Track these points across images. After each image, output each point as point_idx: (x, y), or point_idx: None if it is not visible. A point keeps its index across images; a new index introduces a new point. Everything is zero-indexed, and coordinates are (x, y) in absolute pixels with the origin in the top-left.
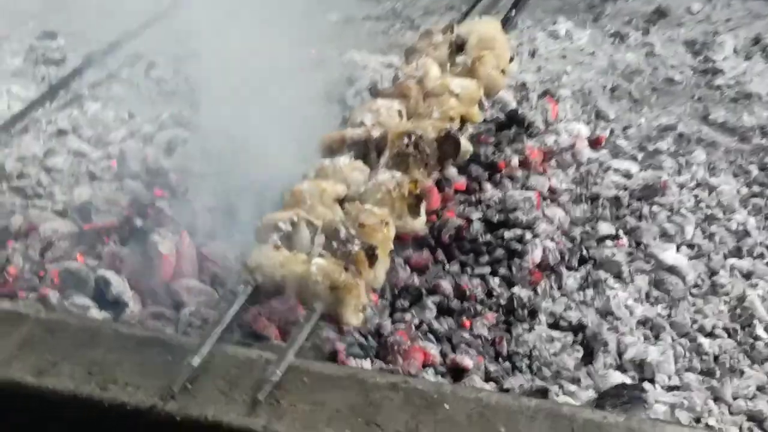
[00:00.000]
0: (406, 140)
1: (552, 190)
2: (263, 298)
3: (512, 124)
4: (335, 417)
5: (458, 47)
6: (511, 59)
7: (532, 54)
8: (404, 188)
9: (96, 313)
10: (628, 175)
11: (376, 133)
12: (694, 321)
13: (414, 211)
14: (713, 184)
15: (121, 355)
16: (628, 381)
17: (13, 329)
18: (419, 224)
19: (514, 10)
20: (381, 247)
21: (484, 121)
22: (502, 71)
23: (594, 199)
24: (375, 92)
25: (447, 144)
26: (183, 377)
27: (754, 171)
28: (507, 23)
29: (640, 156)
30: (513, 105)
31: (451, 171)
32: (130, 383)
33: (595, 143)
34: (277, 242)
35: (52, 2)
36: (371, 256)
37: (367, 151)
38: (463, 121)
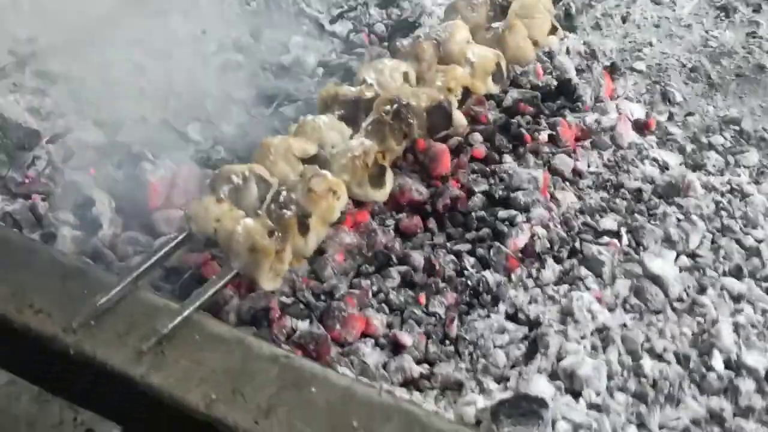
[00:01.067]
0: (387, 108)
1: (576, 172)
2: (195, 246)
3: (560, 95)
4: (207, 379)
5: (501, 10)
6: (553, 30)
7: (624, 19)
8: (369, 158)
9: (68, 232)
10: (665, 167)
11: (368, 95)
12: (648, 339)
13: (376, 183)
14: (748, 192)
15: (45, 281)
16: (551, 390)
17: None
18: (381, 195)
19: None
20: (321, 216)
21: (534, 86)
22: (535, 42)
23: (617, 188)
24: (393, 49)
25: (436, 115)
26: (88, 314)
27: None
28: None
29: (689, 148)
30: (571, 74)
31: (476, 137)
32: (44, 311)
33: (643, 127)
34: (224, 194)
35: None
36: (303, 224)
37: (357, 112)
38: (468, 92)
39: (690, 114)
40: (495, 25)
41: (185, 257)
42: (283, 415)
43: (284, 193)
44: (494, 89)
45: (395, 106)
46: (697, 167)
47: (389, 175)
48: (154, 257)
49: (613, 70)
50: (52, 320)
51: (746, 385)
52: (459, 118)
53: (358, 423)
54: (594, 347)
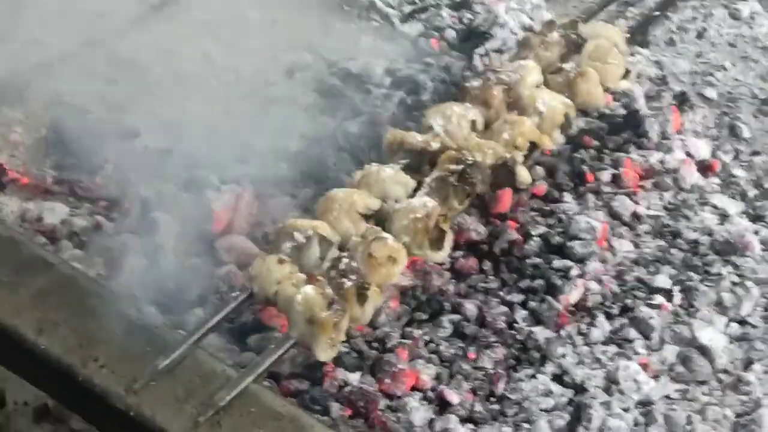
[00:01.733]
0: (452, 167)
1: (636, 216)
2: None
3: (627, 127)
4: None
5: (575, 47)
6: (626, 74)
7: (700, 35)
8: (432, 220)
9: (132, 260)
10: (723, 217)
11: (435, 145)
12: (690, 421)
13: (435, 245)
14: None
15: (112, 335)
16: None
17: (33, 279)
18: (440, 257)
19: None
20: (380, 282)
21: (600, 116)
22: (607, 89)
23: (675, 236)
24: (461, 92)
25: (501, 173)
26: (149, 375)
27: None
28: (643, 26)
29: (751, 193)
30: (639, 104)
31: (537, 171)
32: (107, 366)
33: (706, 168)
34: (285, 253)
35: None
36: (362, 294)
37: (422, 162)
38: (534, 146)
39: (756, 153)
40: (567, 66)
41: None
42: None
43: (345, 260)
44: (561, 141)
45: (461, 166)
46: (757, 218)
47: (449, 237)
48: (217, 317)
49: (682, 101)
50: (115, 377)
51: None
52: (523, 175)
53: None
54: (637, 423)
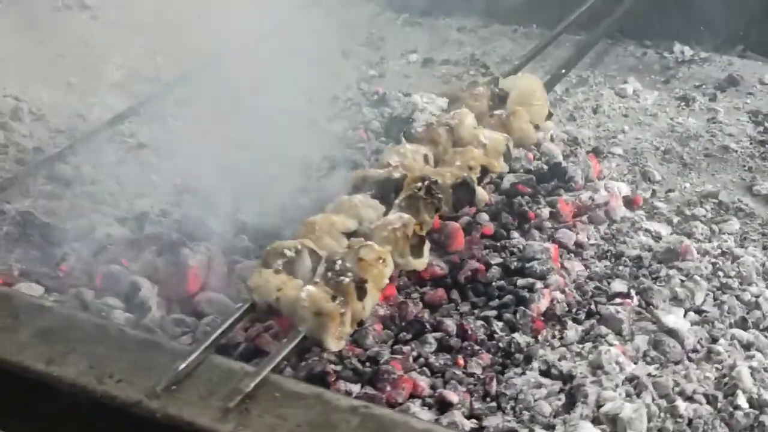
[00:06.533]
0: (419, 185)
1: (578, 244)
2: (258, 316)
3: (553, 176)
4: (294, 431)
5: (499, 99)
6: (549, 116)
7: (595, 110)
8: (409, 229)
9: (120, 314)
10: (657, 237)
11: (396, 175)
12: (677, 384)
13: (416, 252)
14: (737, 254)
15: (120, 353)
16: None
17: (34, 319)
18: (420, 264)
19: (564, 70)
20: (373, 283)
21: (527, 171)
22: (536, 126)
23: (618, 257)
24: (408, 136)
25: (462, 191)
26: (169, 379)
27: None
28: (553, 80)
29: (675, 220)
30: (559, 158)
31: (483, 216)
32: (124, 380)
33: (632, 203)
34: (279, 267)
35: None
36: (360, 288)
37: (387, 191)
38: (485, 170)
39: (670, 191)
40: (497, 112)
41: (237, 333)
42: None
43: (339, 261)
44: (506, 168)
45: (426, 182)
46: (687, 236)
47: (427, 245)
48: (224, 325)
49: (596, 153)
50: (134, 388)
51: None
52: (481, 193)
53: None
54: (629, 394)
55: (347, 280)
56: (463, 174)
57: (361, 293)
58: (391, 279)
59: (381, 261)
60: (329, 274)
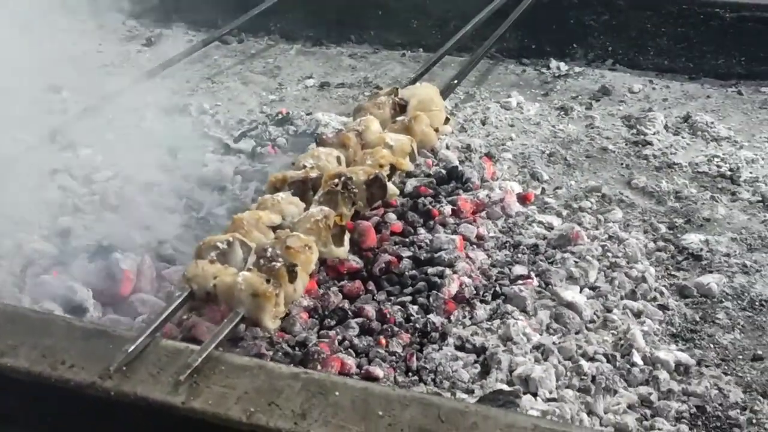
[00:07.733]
0: (336, 181)
1: (479, 237)
2: (197, 304)
3: (451, 179)
4: (243, 397)
5: (400, 108)
6: (447, 120)
7: (483, 122)
8: (330, 220)
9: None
10: (549, 227)
11: (313, 175)
12: (580, 347)
13: (338, 241)
14: (623, 238)
15: (70, 342)
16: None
17: None
18: (342, 252)
19: (455, 80)
20: (302, 267)
21: (427, 175)
22: (436, 129)
23: (516, 246)
24: (319, 141)
25: (375, 186)
26: (119, 361)
27: (663, 229)
28: (447, 90)
29: (564, 212)
30: (455, 163)
31: (391, 216)
32: (76, 365)
33: (524, 199)
34: (213, 258)
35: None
36: (291, 272)
37: (305, 189)
38: (394, 168)
39: (558, 188)
40: (399, 118)
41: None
42: (317, 416)
43: (270, 250)
44: (412, 167)
45: (342, 178)
46: (577, 225)
47: (347, 235)
48: (165, 312)
49: (489, 157)
50: (87, 371)
51: (662, 374)
52: (392, 188)
53: (382, 412)
54: (537, 359)
55: (278, 264)
56: (375, 171)
57: (292, 276)
58: (311, 275)
59: (307, 248)
60: (261, 261)
